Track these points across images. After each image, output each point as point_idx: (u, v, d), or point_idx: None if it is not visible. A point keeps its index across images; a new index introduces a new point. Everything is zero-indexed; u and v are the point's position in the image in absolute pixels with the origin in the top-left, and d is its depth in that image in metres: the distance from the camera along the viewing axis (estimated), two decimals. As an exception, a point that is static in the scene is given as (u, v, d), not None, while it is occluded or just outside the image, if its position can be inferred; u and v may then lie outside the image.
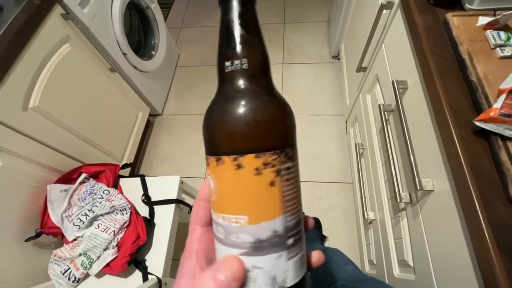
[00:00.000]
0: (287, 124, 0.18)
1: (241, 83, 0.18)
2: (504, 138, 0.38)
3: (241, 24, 0.18)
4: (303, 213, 0.20)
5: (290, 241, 0.17)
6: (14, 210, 0.76)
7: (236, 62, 0.18)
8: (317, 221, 1.17)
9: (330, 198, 1.23)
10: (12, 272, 0.77)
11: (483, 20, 0.50)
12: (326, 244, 1.13)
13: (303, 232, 0.19)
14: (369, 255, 0.89)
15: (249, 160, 0.16)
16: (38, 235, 0.78)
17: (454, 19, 0.52)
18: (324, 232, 1.15)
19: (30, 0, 0.78)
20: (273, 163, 0.16)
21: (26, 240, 0.77)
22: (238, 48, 0.18)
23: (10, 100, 0.73)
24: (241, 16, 0.18)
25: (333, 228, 1.17)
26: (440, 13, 0.55)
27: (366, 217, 0.85)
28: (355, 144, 1.01)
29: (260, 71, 0.19)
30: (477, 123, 0.40)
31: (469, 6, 0.53)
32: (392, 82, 0.61)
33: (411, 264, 0.59)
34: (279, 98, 0.19)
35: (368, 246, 0.91)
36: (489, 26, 0.49)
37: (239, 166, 0.16)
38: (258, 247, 0.17)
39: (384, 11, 0.73)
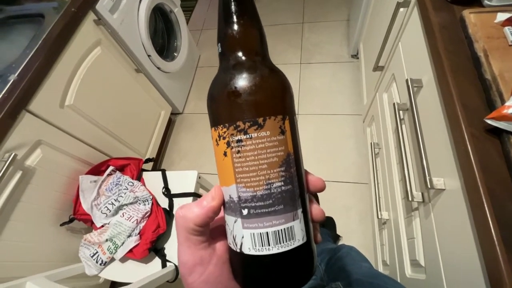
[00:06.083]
0: (234, 101, 0.19)
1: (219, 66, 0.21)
2: (516, 136, 0.38)
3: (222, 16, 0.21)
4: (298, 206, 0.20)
5: (245, 211, 0.19)
6: (52, 197, 0.84)
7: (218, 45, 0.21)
8: (331, 220, 1.17)
9: (345, 198, 1.22)
10: (48, 253, 0.86)
11: (502, 16, 0.49)
12: (340, 243, 1.13)
13: (274, 214, 0.18)
14: (383, 255, 0.88)
15: (212, 133, 0.20)
16: (71, 220, 0.86)
17: (470, 16, 0.51)
18: (339, 232, 1.15)
19: (68, 8, 0.86)
20: (224, 135, 0.19)
21: (61, 225, 0.85)
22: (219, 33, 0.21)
23: (50, 99, 0.82)
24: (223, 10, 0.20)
25: (347, 228, 1.16)
26: (457, 11, 0.54)
27: (380, 217, 0.84)
28: (371, 143, 1.00)
29: (225, 56, 0.21)
30: (489, 121, 0.40)
31: (488, 3, 0.52)
32: (406, 80, 0.61)
33: (423, 264, 0.59)
34: (230, 79, 0.19)
35: (382, 246, 0.90)
36: (508, 22, 0.48)
37: (212, 138, 0.21)
38: (225, 207, 0.20)
39: (401, 9, 0.73)
